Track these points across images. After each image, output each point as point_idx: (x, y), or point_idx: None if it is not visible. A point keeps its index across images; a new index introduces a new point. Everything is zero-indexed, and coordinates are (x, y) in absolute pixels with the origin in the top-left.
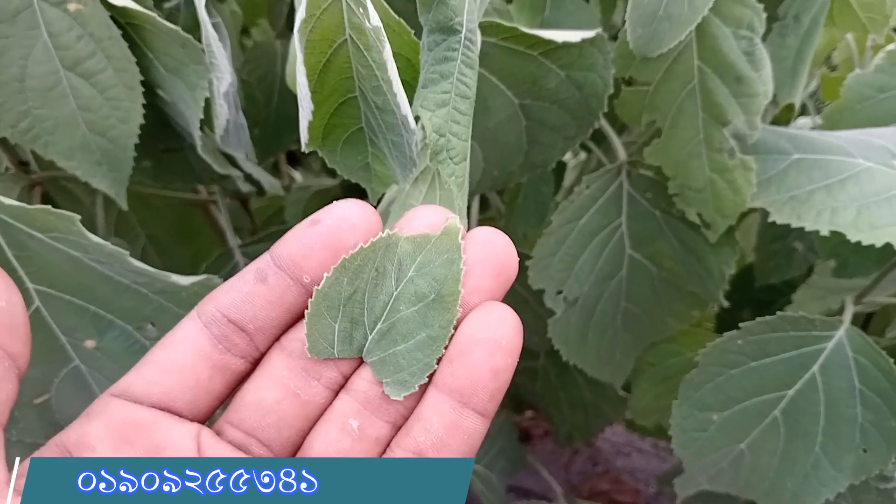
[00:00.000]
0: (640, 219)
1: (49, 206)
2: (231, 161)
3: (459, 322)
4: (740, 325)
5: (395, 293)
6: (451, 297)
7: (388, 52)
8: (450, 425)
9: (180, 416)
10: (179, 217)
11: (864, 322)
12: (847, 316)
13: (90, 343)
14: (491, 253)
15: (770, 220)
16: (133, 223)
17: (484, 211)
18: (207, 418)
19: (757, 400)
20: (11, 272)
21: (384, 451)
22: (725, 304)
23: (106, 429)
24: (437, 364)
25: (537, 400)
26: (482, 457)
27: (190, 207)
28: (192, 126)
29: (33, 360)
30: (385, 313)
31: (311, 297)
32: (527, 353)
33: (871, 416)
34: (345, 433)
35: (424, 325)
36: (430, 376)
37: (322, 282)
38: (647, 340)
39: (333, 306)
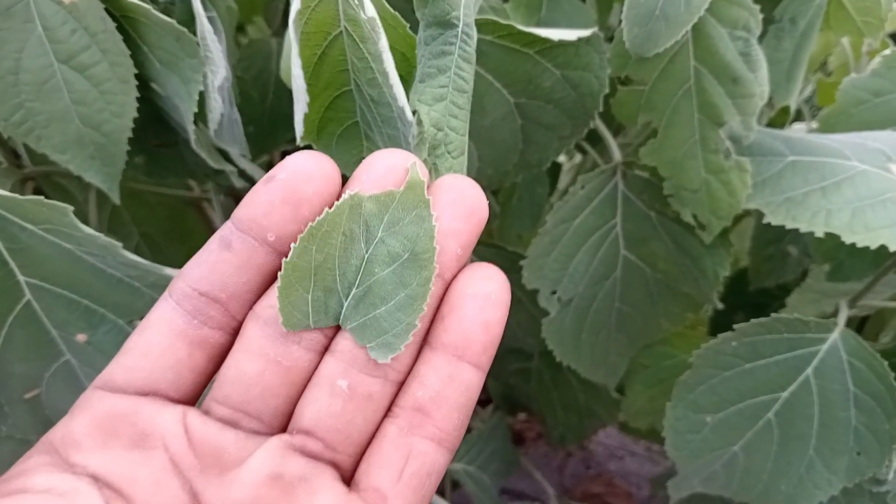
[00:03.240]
0: (634, 220)
1: (42, 197)
2: (225, 156)
3: (446, 279)
4: (734, 326)
5: (366, 256)
6: (427, 254)
7: (384, 44)
8: (446, 378)
9: (167, 398)
10: (173, 215)
11: (859, 326)
12: (842, 318)
13: (81, 337)
14: (459, 196)
15: (765, 221)
16: (126, 220)
17: None
18: (198, 397)
19: (751, 402)
20: (3, 265)
21: (379, 409)
22: (720, 305)
23: (90, 423)
24: (420, 323)
25: (530, 401)
26: (475, 458)
27: (184, 205)
28: (186, 120)
29: (23, 354)
30: (359, 277)
31: (279, 256)
32: (520, 354)
33: (865, 418)
34: (335, 395)
35: (402, 284)
36: (415, 335)
37: (290, 252)
38: (640, 342)
39: (304, 276)
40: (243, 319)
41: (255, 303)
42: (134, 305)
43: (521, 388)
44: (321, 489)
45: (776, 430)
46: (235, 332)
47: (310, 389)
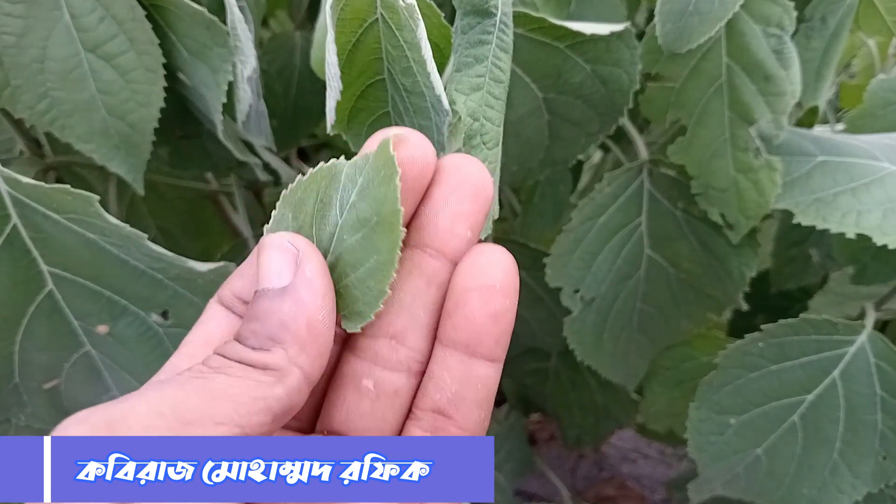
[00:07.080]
0: (660, 218)
1: (67, 186)
2: (250, 149)
3: (455, 262)
4: (762, 327)
5: (339, 223)
6: (393, 217)
7: (422, 31)
8: (462, 378)
9: None
10: (191, 209)
11: (880, 330)
12: (869, 321)
13: (103, 328)
14: (464, 177)
15: (795, 221)
16: (144, 214)
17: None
18: None
19: (776, 404)
20: (26, 253)
21: (406, 402)
22: (745, 306)
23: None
24: (390, 290)
25: (546, 402)
26: None
27: (201, 199)
28: (214, 111)
29: (44, 344)
30: (332, 245)
31: None
32: (537, 354)
33: (892, 422)
34: (362, 396)
35: (372, 250)
36: (428, 329)
37: (269, 222)
38: (662, 343)
39: None
40: None
41: None
42: (156, 298)
43: (536, 388)
44: None
45: (801, 433)
46: None
47: (335, 391)
